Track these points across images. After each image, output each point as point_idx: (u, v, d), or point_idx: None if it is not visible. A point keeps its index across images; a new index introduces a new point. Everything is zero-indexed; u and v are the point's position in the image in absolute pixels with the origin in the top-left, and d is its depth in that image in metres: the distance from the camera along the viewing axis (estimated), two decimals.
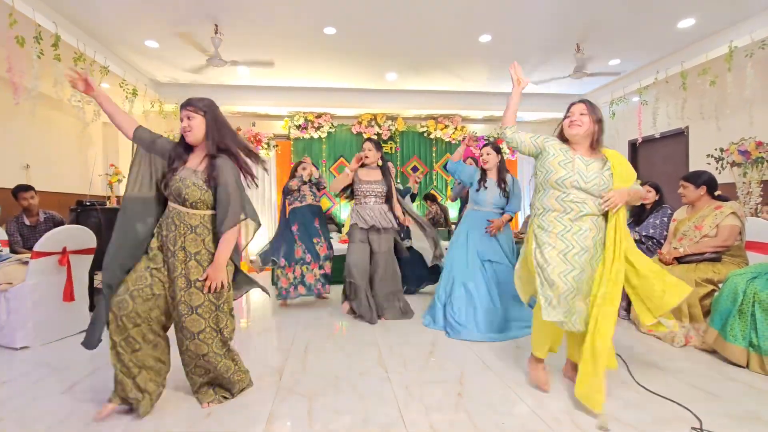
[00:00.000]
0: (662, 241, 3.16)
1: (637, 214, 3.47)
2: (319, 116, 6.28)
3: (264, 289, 1.98)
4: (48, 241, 2.77)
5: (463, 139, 3.32)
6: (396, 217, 3.29)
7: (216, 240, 1.78)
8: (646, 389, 1.97)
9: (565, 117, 1.98)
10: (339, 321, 3.31)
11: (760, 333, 2.12)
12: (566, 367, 2.15)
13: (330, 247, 3.93)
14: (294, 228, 3.92)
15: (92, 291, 3.29)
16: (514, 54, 4.68)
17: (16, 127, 4.50)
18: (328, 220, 4.79)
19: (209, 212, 1.80)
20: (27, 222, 3.55)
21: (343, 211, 6.47)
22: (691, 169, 4.88)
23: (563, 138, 2.00)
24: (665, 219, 3.22)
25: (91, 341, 1.73)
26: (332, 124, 6.40)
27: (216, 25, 3.92)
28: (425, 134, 6.63)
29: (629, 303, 3.08)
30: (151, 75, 5.25)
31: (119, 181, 5.41)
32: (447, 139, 6.60)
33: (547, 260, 1.86)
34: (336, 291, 4.03)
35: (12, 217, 3.56)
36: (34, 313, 2.71)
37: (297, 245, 3.86)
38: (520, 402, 1.90)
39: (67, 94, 3.80)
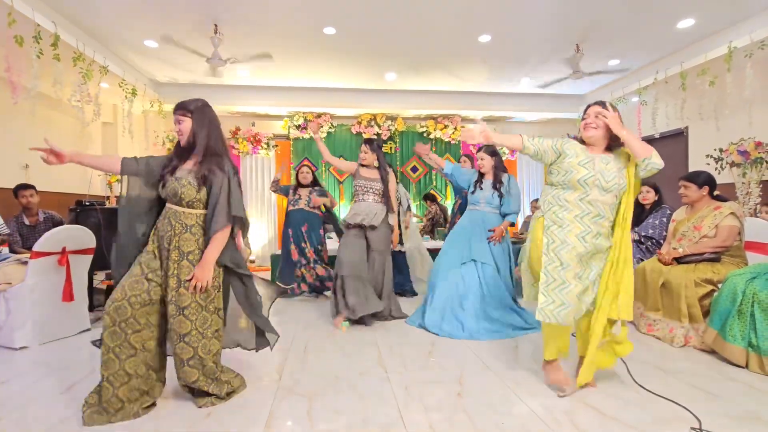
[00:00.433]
0: (661, 241, 3.17)
1: (637, 215, 3.47)
2: (318, 116, 6.28)
3: (283, 289, 2.04)
4: (47, 241, 2.77)
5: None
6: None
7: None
8: (646, 389, 1.97)
9: (582, 119, 1.99)
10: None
11: (759, 333, 2.12)
12: (579, 366, 2.13)
13: (318, 252, 4.02)
14: (290, 231, 4.03)
15: (91, 291, 3.29)
16: (514, 54, 4.68)
17: (16, 126, 4.49)
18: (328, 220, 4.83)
19: (204, 211, 1.81)
20: (26, 222, 3.55)
21: (343, 210, 6.47)
22: (691, 169, 4.89)
23: (581, 139, 2.01)
24: (664, 219, 3.22)
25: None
26: (332, 124, 6.40)
27: (216, 25, 3.92)
28: (425, 134, 6.63)
29: None
30: (150, 75, 5.25)
31: (118, 181, 5.40)
32: (446, 139, 6.61)
33: (563, 263, 1.86)
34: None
35: (11, 217, 3.56)
36: (33, 313, 2.70)
37: (293, 248, 3.97)
38: (520, 402, 1.90)
39: (67, 93, 3.79)
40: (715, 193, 2.76)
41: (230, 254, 1.86)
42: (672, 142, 5.30)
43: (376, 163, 3.25)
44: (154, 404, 1.83)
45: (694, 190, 2.71)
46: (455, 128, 6.57)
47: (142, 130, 5.52)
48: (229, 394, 1.90)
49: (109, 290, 3.47)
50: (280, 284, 4.08)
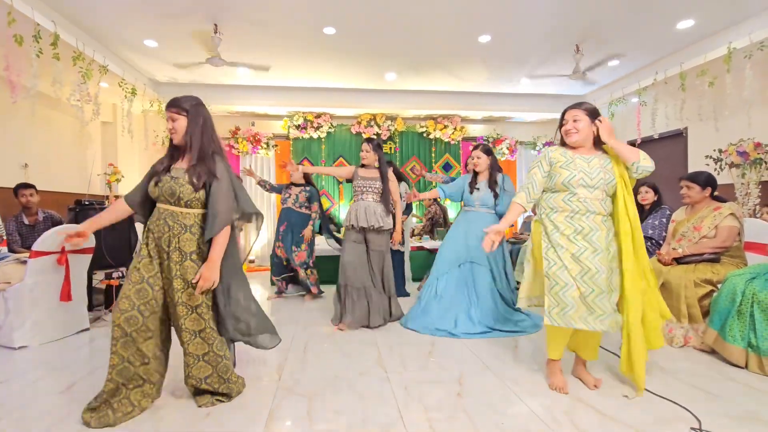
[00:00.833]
0: (661, 241, 3.17)
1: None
2: (318, 116, 6.28)
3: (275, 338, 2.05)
4: (47, 240, 2.76)
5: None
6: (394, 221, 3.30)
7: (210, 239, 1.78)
8: (646, 389, 1.97)
9: (561, 125, 2.04)
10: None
11: (758, 333, 2.12)
12: (576, 368, 2.13)
13: (289, 253, 4.04)
14: (282, 228, 4.06)
15: (91, 291, 3.28)
16: (514, 54, 4.68)
17: (15, 126, 4.48)
18: (328, 220, 4.85)
19: (203, 211, 1.79)
20: (26, 221, 3.55)
21: (342, 211, 6.47)
22: (690, 170, 4.89)
23: (564, 143, 2.05)
24: (664, 220, 3.23)
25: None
26: (331, 124, 6.40)
27: (216, 25, 3.92)
28: (425, 134, 6.63)
29: None
30: (150, 74, 5.24)
31: (118, 180, 5.40)
32: (446, 140, 6.61)
33: (562, 263, 1.88)
34: (329, 294, 4.04)
35: (11, 216, 3.56)
36: (32, 313, 2.70)
37: (279, 244, 4.01)
38: (520, 402, 1.90)
39: (66, 93, 3.78)
40: (715, 193, 2.77)
41: (236, 254, 1.87)
42: (671, 143, 5.31)
43: (376, 163, 3.24)
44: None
45: (697, 191, 2.71)
46: (455, 128, 6.57)
47: (142, 130, 5.51)
48: (232, 397, 1.91)
49: (109, 290, 3.46)
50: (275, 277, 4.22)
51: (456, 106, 6.19)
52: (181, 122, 1.77)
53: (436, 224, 5.93)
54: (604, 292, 1.86)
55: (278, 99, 5.88)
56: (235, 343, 2.07)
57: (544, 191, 2.04)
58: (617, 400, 1.89)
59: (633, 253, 1.89)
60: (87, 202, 3.72)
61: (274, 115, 6.43)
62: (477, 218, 3.15)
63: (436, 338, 2.83)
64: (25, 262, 2.79)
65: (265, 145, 6.32)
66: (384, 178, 3.21)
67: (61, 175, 5.09)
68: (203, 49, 4.39)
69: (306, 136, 6.36)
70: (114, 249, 3.49)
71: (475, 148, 3.22)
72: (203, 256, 1.77)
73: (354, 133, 6.45)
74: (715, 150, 4.38)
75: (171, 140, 1.84)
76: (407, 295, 4.20)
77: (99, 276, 3.59)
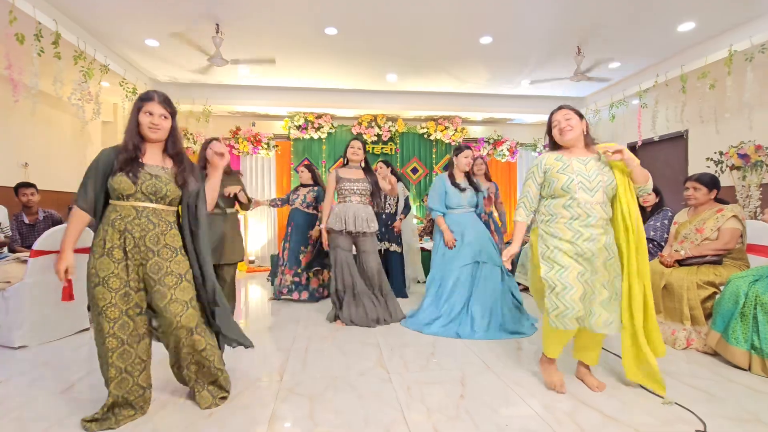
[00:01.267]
0: (663, 243, 3.17)
1: None
2: (319, 117, 6.28)
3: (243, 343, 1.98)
4: (47, 239, 2.75)
5: None
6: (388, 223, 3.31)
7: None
8: (649, 390, 1.97)
9: (551, 128, 2.00)
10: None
11: (762, 336, 2.12)
12: (579, 369, 2.13)
13: (295, 255, 4.01)
14: (289, 229, 4.07)
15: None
16: (515, 56, 4.69)
17: (15, 125, 4.47)
18: None
19: (178, 208, 1.82)
20: (26, 220, 3.53)
21: None
22: (690, 172, 4.90)
23: (556, 147, 2.03)
24: (666, 221, 3.23)
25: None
26: (332, 125, 6.39)
27: (217, 25, 3.91)
28: (425, 135, 6.63)
29: None
30: (151, 74, 5.23)
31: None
32: (447, 141, 6.61)
33: (561, 264, 1.86)
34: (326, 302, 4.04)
35: (11, 215, 3.54)
36: (32, 313, 2.69)
37: (287, 248, 4.03)
38: (523, 403, 1.89)
39: (67, 92, 3.78)
40: (717, 195, 2.77)
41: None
42: (672, 145, 5.31)
43: (363, 163, 3.23)
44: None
45: (704, 193, 2.70)
46: (456, 130, 6.58)
47: None
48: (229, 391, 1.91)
49: None
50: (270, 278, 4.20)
51: (457, 107, 6.20)
52: (168, 123, 1.75)
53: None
54: (604, 295, 1.86)
55: (279, 99, 5.88)
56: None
57: (542, 197, 2.01)
58: (620, 402, 1.88)
59: (635, 255, 1.89)
60: None
61: (274, 116, 6.43)
62: (467, 219, 3.18)
63: (437, 339, 2.82)
64: (25, 262, 2.78)
65: (265, 146, 6.31)
66: (370, 174, 3.20)
67: (61, 174, 5.07)
68: (204, 49, 4.39)
69: (307, 136, 6.36)
70: None
71: (465, 152, 3.26)
72: (186, 250, 1.78)
73: (355, 133, 6.44)
74: (715, 152, 4.38)
75: (139, 133, 1.71)
76: (406, 297, 4.20)
77: None
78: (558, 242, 1.89)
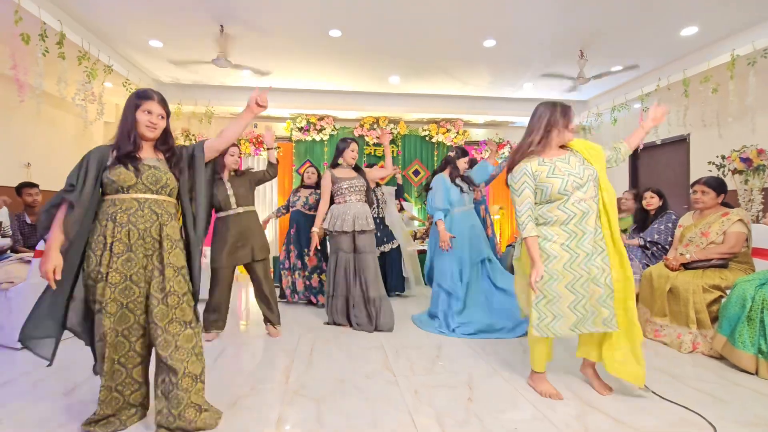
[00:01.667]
0: (667, 246, 3.17)
1: (642, 220, 3.48)
2: (321, 118, 6.28)
3: None
4: None
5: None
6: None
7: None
8: (658, 395, 1.96)
9: (549, 129, 1.89)
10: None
11: None
12: (586, 370, 2.12)
13: (301, 258, 3.98)
14: (292, 231, 4.04)
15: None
16: (518, 59, 4.70)
17: (17, 125, 4.46)
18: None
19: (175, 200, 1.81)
20: (28, 220, 3.52)
21: None
22: (693, 176, 4.91)
23: (539, 151, 1.92)
24: (669, 225, 3.23)
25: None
26: (334, 127, 6.39)
27: (221, 26, 3.92)
28: (427, 138, 6.64)
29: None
30: (153, 75, 5.23)
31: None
32: (449, 143, 6.61)
33: (552, 274, 1.85)
34: None
35: (13, 215, 3.53)
36: None
37: (292, 250, 4.00)
38: (531, 407, 1.88)
39: (71, 92, 3.77)
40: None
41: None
42: (674, 149, 5.33)
43: (353, 164, 3.26)
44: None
45: (713, 197, 2.69)
46: (457, 132, 6.59)
47: None
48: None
49: None
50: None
51: (459, 110, 6.21)
52: (164, 122, 1.74)
53: None
54: (599, 293, 1.84)
55: (281, 101, 5.88)
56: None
57: (538, 205, 1.92)
58: (629, 406, 1.88)
59: (612, 242, 1.88)
60: None
61: (276, 117, 6.42)
62: (468, 216, 3.23)
63: (442, 342, 2.81)
64: (28, 262, 2.77)
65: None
66: (361, 171, 3.23)
67: (63, 174, 4.99)
68: (208, 50, 4.39)
69: (308, 138, 6.36)
70: None
71: (465, 158, 3.40)
72: (183, 245, 1.75)
73: (357, 135, 6.45)
74: (718, 156, 4.40)
75: (136, 131, 1.68)
76: (403, 291, 4.22)
77: None
78: (550, 247, 1.86)
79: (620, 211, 4.06)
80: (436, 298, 3.18)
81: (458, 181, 3.24)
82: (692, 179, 4.90)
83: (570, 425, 1.72)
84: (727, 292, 2.46)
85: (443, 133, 6.54)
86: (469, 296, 3.04)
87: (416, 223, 6.45)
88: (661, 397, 1.94)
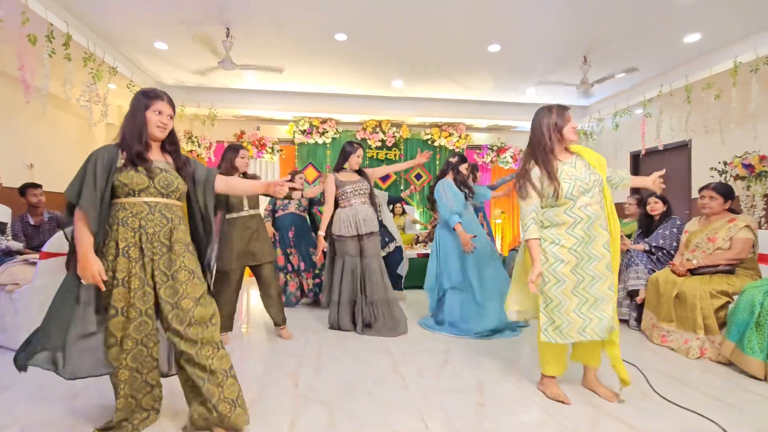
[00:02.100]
0: (672, 251, 3.18)
1: (646, 225, 3.49)
2: (324, 122, 6.29)
3: None
4: (58, 241, 2.71)
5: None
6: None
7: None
8: (667, 400, 1.96)
9: (552, 132, 1.90)
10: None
11: None
12: (587, 379, 2.10)
13: (306, 259, 4.00)
14: (276, 236, 4.02)
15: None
16: (522, 64, 4.73)
17: (20, 125, 4.44)
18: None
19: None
20: (31, 221, 3.50)
21: None
22: (694, 182, 4.94)
23: (545, 156, 1.91)
24: (674, 230, 3.24)
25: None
26: (337, 130, 6.40)
27: (228, 29, 3.92)
28: (429, 142, 6.65)
29: (640, 314, 3.09)
30: (157, 77, 5.22)
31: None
32: (451, 147, 6.63)
33: (558, 278, 1.85)
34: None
35: (16, 216, 3.50)
36: (40, 315, 2.63)
37: (291, 251, 3.98)
38: (542, 411, 1.88)
39: (76, 93, 3.76)
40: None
41: None
42: (676, 155, 5.35)
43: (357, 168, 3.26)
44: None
45: (720, 203, 2.71)
46: (460, 136, 6.60)
47: None
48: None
49: None
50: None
51: (461, 114, 6.23)
52: (172, 123, 1.73)
53: None
54: (600, 299, 1.84)
55: (284, 104, 5.88)
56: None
57: (544, 209, 1.92)
58: (639, 411, 1.87)
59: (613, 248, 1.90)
60: None
61: (279, 120, 6.43)
62: (472, 221, 3.29)
63: (449, 345, 2.80)
64: (33, 263, 2.75)
65: (269, 150, 6.30)
66: (364, 174, 3.24)
67: (65, 175, 5.00)
68: (213, 52, 4.39)
69: (311, 141, 6.36)
70: None
71: (466, 164, 3.43)
72: (193, 248, 1.75)
73: (359, 139, 6.45)
74: (720, 162, 4.42)
75: (147, 130, 1.65)
76: (401, 289, 4.22)
77: None
78: (558, 251, 1.86)
79: (624, 216, 4.07)
80: (444, 304, 3.18)
81: (462, 186, 3.29)
82: (694, 185, 4.93)
83: (582, 428, 1.72)
84: (735, 297, 2.47)
85: (445, 137, 6.56)
86: (483, 293, 3.06)
87: (418, 226, 6.46)
88: (672, 402, 1.94)
